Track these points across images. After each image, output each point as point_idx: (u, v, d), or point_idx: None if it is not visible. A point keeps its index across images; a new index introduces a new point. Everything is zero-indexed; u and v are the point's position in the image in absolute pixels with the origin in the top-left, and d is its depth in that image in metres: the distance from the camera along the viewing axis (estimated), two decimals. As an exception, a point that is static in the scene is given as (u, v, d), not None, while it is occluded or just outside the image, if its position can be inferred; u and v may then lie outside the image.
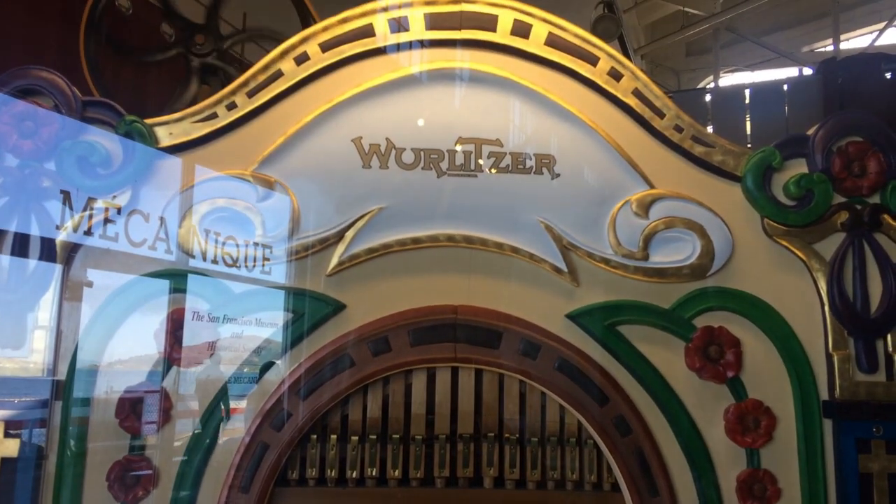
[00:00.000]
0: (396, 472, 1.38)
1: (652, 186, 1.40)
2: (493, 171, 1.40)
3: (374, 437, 1.39)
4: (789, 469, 1.36)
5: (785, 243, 1.40)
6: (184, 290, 1.34)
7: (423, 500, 1.40)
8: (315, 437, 1.39)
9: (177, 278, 1.36)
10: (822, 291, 1.39)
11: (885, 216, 1.41)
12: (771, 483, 1.35)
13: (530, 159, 1.40)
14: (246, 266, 1.34)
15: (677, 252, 1.40)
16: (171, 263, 1.37)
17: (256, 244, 1.35)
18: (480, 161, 1.40)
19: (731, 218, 1.41)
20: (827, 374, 1.38)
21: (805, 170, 1.43)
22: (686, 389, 1.37)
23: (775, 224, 1.41)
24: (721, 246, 1.39)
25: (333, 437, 1.39)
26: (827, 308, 1.39)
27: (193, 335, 1.32)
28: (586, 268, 1.39)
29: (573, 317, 1.38)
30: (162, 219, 1.34)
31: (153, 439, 1.33)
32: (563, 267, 1.38)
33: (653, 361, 1.38)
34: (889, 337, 1.39)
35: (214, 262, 1.34)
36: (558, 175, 1.40)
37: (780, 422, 1.37)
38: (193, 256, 1.35)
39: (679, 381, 1.37)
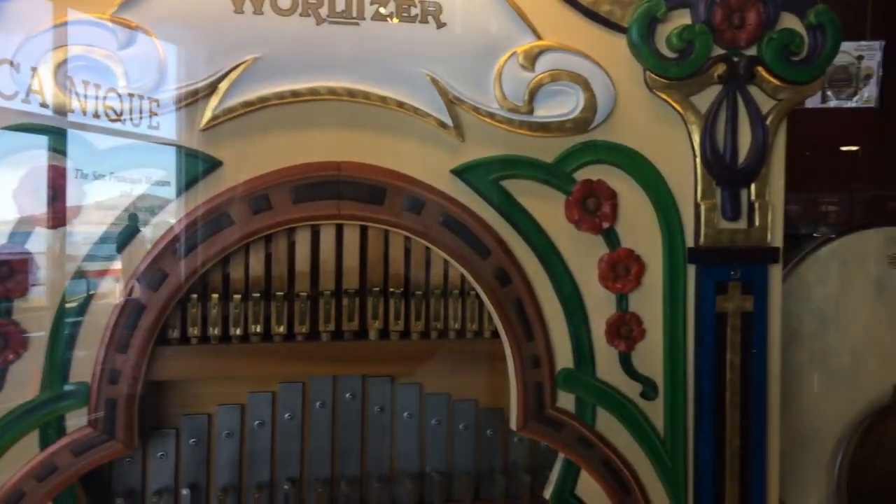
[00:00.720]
0: (281, 328, 1.42)
1: (539, 38, 1.40)
2: (377, 18, 1.35)
3: (258, 294, 1.41)
4: (654, 311, 1.50)
5: (664, 96, 1.46)
6: (48, 147, 1.26)
7: (308, 354, 1.45)
8: (196, 296, 1.39)
9: (40, 132, 1.26)
10: (695, 144, 1.48)
11: (760, 68, 1.49)
12: (637, 325, 1.49)
13: (416, 7, 1.36)
14: (113, 119, 1.27)
15: (562, 106, 1.43)
16: (40, 118, 1.27)
17: (125, 95, 1.27)
18: (363, 7, 1.35)
19: (614, 71, 1.45)
20: (694, 223, 1.48)
21: (689, 21, 1.46)
22: (564, 240, 1.46)
23: (656, 77, 1.45)
24: (604, 99, 1.43)
25: (215, 295, 1.40)
26: (699, 160, 1.47)
27: (58, 194, 1.26)
28: (472, 122, 1.41)
29: (458, 172, 1.41)
30: (12, 63, 1.22)
31: (21, 302, 1.29)
32: (449, 122, 1.39)
33: (534, 215, 1.44)
34: (753, 186, 1.50)
35: (84, 113, 1.26)
36: (444, 25, 1.37)
37: (648, 268, 1.48)
38: (51, 107, 1.26)
39: (558, 233, 1.46)
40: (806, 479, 1.64)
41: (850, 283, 1.64)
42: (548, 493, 1.51)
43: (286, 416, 1.49)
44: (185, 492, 1.44)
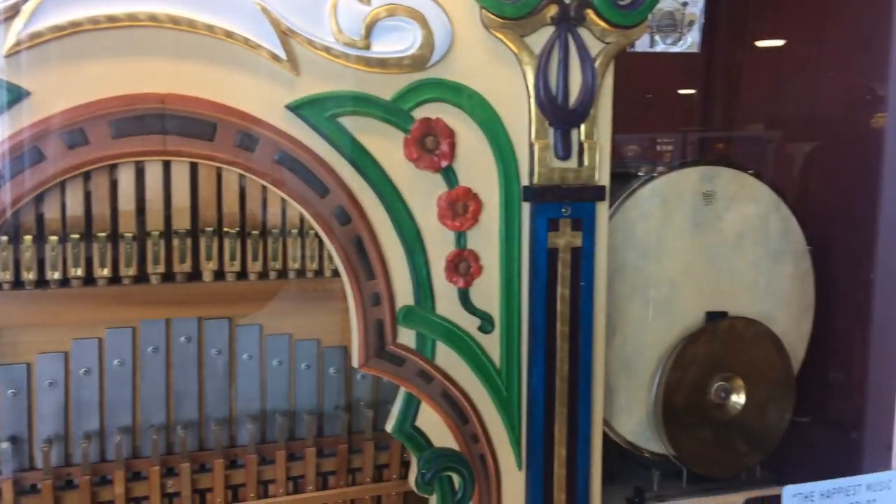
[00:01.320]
0: (105, 271, 1.34)
1: (374, -30, 1.36)
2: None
3: (77, 236, 1.31)
4: (491, 248, 1.53)
5: (500, 36, 1.47)
6: None
7: (137, 298, 1.38)
8: (6, 238, 1.28)
9: None
10: (529, 84, 1.50)
11: (590, 11, 1.52)
12: (474, 261, 1.52)
13: (243, -70, 1.28)
14: None
15: (399, 42, 1.41)
16: None
17: None
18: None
19: (451, 8, 1.44)
20: (528, 162, 1.52)
21: (525, -40, 1.46)
22: (403, 179, 1.45)
23: (492, 16, 1.45)
24: (441, 37, 1.42)
25: (28, 237, 1.29)
26: (532, 100, 1.50)
27: None
28: (307, 56, 1.36)
29: (294, 108, 1.36)
30: None
31: None
32: (282, 54, 1.33)
33: (372, 153, 1.43)
34: (583, 127, 1.55)
35: None
36: (274, -49, 1.30)
37: (485, 207, 1.51)
38: None
39: (396, 171, 1.45)
40: (627, 401, 1.76)
41: (669, 219, 1.75)
42: (390, 427, 1.54)
43: (115, 362, 1.42)
44: (4, 445, 1.35)
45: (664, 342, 1.78)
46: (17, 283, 1.32)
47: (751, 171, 1.83)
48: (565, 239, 1.58)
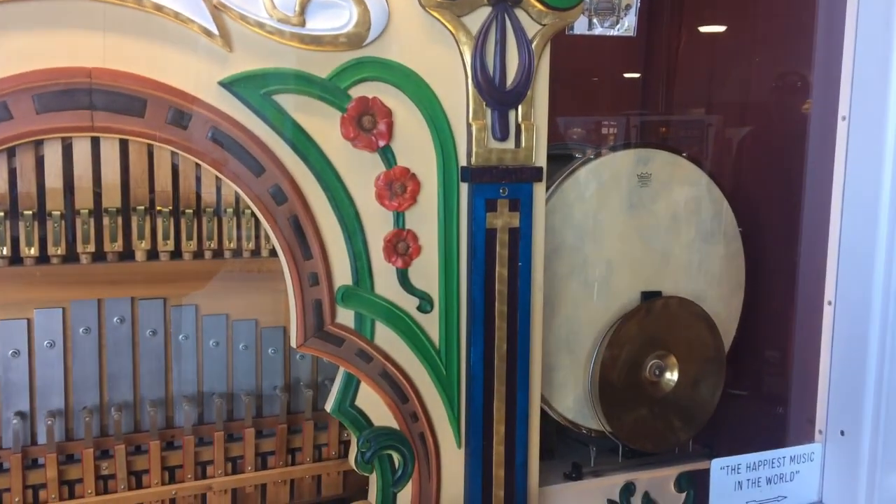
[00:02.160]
0: (32, 250, 1.30)
1: (307, -55, 1.33)
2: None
3: (2, 213, 1.27)
4: (430, 228, 1.52)
5: (437, 15, 1.45)
6: None
7: (67, 277, 1.34)
8: (-76, 217, 1.23)
9: None
10: (466, 64, 1.49)
11: (526, -8, 1.51)
12: (413, 241, 1.51)
13: None
14: None
15: (335, 19, 1.39)
16: None
17: None
18: None
19: (388, -14, 1.40)
20: (466, 143, 1.51)
21: (461, -59, 1.45)
22: (340, 158, 1.43)
23: (430, -5, 1.43)
24: (377, 15, 1.40)
25: (-52, 216, 1.24)
26: (470, 80, 1.49)
27: None
28: (240, 31, 1.33)
29: (226, 84, 1.33)
30: None
31: None
32: (214, 29, 1.30)
33: (309, 131, 1.40)
34: (520, 108, 1.54)
35: None
36: (204, -77, 1.26)
37: (423, 187, 1.50)
38: None
39: (334, 150, 1.43)
40: (565, 379, 1.77)
41: (606, 200, 1.76)
42: (329, 407, 1.52)
43: (45, 343, 1.37)
44: (-71, 429, 1.30)
45: (601, 321, 1.79)
46: (-63, 263, 1.27)
47: (685, 154, 1.85)
48: (503, 219, 1.57)
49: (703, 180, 1.87)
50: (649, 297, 1.82)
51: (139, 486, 1.45)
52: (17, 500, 1.35)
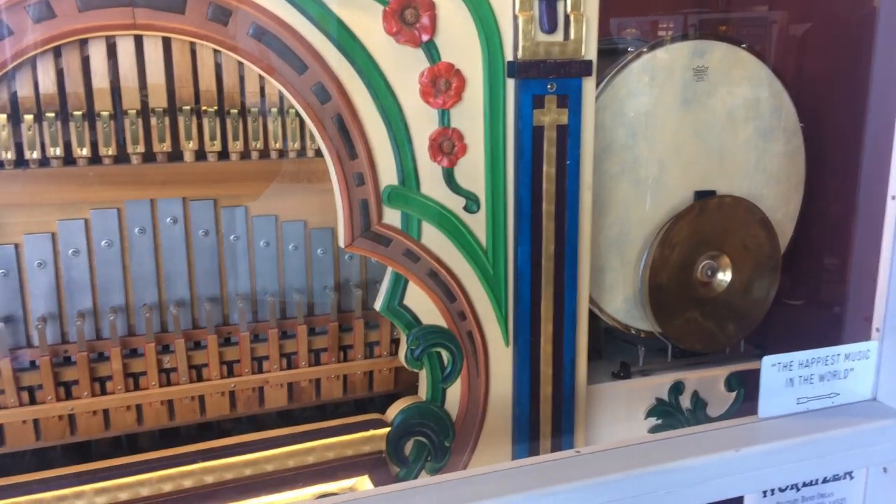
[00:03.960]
0: (84, 151, 1.30)
1: None
2: None
3: (53, 114, 1.27)
4: (475, 126, 1.48)
5: None
6: None
7: (120, 178, 1.35)
8: (-20, 118, 1.24)
9: None
10: (512, -48, 1.40)
11: None
12: (458, 140, 1.47)
13: None
14: None
15: None
16: None
17: None
18: None
19: None
20: (512, 36, 1.44)
21: None
22: (383, 55, 1.39)
23: None
24: None
25: (3, 116, 1.24)
26: (516, -31, 1.41)
27: None
28: (277, -78, 1.26)
29: (267, -22, 1.28)
30: None
31: None
32: (251, -81, 1.24)
33: (351, 27, 1.36)
34: (569, -1, 1.46)
35: None
36: None
37: (468, 83, 1.45)
38: None
39: (377, 46, 1.39)
40: (614, 280, 1.74)
41: (659, 95, 1.67)
42: (378, 305, 1.53)
43: (103, 243, 1.40)
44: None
45: (652, 222, 1.74)
46: (-3, 164, 1.29)
47: (744, 46, 1.74)
48: (551, 116, 1.52)
49: (763, 73, 1.76)
50: (703, 196, 1.75)
51: (199, 379, 1.49)
52: (85, 392, 1.41)
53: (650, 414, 1.78)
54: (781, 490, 1.44)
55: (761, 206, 1.79)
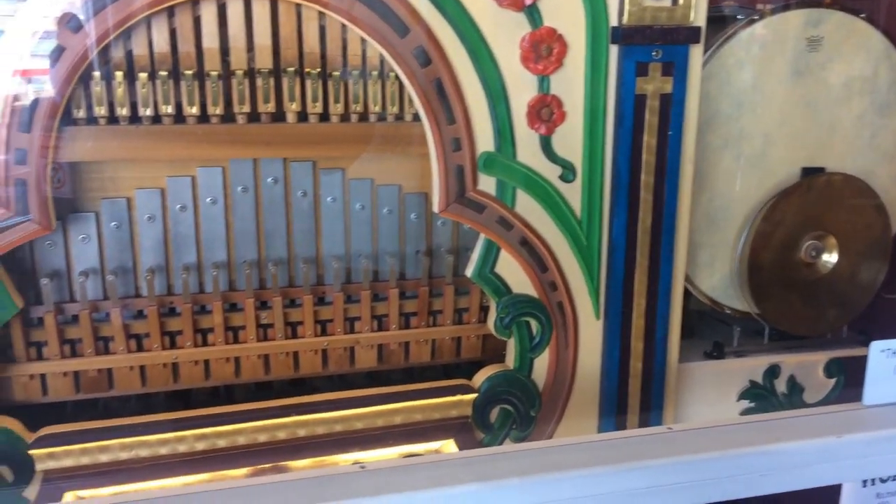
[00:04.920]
0: (194, 109, 1.34)
1: None
2: None
3: (165, 73, 1.31)
4: (575, 94, 1.45)
5: None
6: None
7: (226, 137, 1.38)
8: (98, 73, 1.28)
9: None
10: (621, -85, 1.35)
11: None
12: (558, 107, 1.44)
13: None
14: None
15: None
16: None
17: None
18: None
19: None
20: (618, 1, 1.40)
21: None
22: (485, 18, 1.38)
23: None
24: None
25: (119, 73, 1.29)
26: (625, -69, 1.36)
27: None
28: None
29: (371, -60, 1.28)
30: None
31: None
32: None
33: (453, -11, 1.33)
34: (678, -38, 1.40)
35: None
36: None
37: (570, 49, 1.41)
38: None
39: (478, 9, 1.37)
40: (711, 257, 1.68)
41: (769, 66, 1.59)
42: (469, 272, 1.52)
43: (208, 200, 1.44)
44: (110, 277, 1.41)
45: (754, 198, 1.67)
46: (112, 120, 1.34)
47: (862, 16, 1.63)
48: (655, 84, 1.47)
49: (881, 45, 1.65)
50: (810, 173, 1.66)
51: (294, 336, 1.52)
52: (188, 342, 1.46)
53: (743, 396, 1.72)
54: (883, 480, 1.37)
55: (873, 186, 1.69)
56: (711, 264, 1.69)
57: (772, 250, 1.65)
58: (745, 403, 1.72)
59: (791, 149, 1.66)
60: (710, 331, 1.79)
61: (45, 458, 1.34)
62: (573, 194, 1.51)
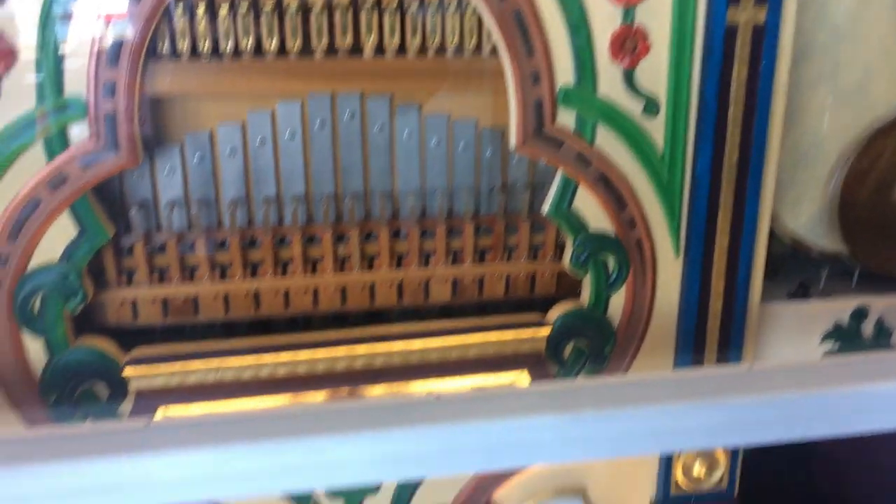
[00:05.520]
0: (273, 43, 1.34)
1: None
2: None
3: (246, 6, 1.31)
4: (661, 24, 1.40)
5: None
6: None
7: (305, 70, 1.39)
8: (180, 8, 1.30)
9: None
10: None
11: None
12: (642, 39, 1.39)
13: None
14: None
15: None
16: None
17: None
18: None
19: None
20: (710, -77, 1.33)
21: None
22: (567, -56, 1.31)
23: None
24: None
25: (201, 7, 1.30)
26: None
27: None
28: None
29: None
30: None
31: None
32: None
33: (535, -87, 1.28)
34: None
35: None
36: None
37: (657, -25, 1.34)
38: None
39: (561, -65, 1.30)
40: (800, 195, 1.61)
41: (873, -8, 1.49)
42: (546, 208, 1.51)
43: (287, 134, 1.46)
44: (195, 209, 1.45)
45: (849, 134, 1.58)
46: (195, 54, 1.36)
47: (984, -67, 1.50)
48: (747, 14, 1.39)
49: None
50: (913, 107, 1.56)
51: (370, 268, 1.55)
52: (269, 273, 1.50)
53: (826, 338, 1.67)
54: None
55: (983, 121, 1.57)
56: (800, 202, 1.62)
57: (866, 189, 1.57)
58: (829, 346, 1.67)
59: (892, 82, 1.55)
60: (795, 271, 1.73)
61: (137, 378, 1.41)
62: (656, 129, 1.46)
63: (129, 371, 1.41)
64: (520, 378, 1.54)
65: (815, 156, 1.59)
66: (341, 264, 1.53)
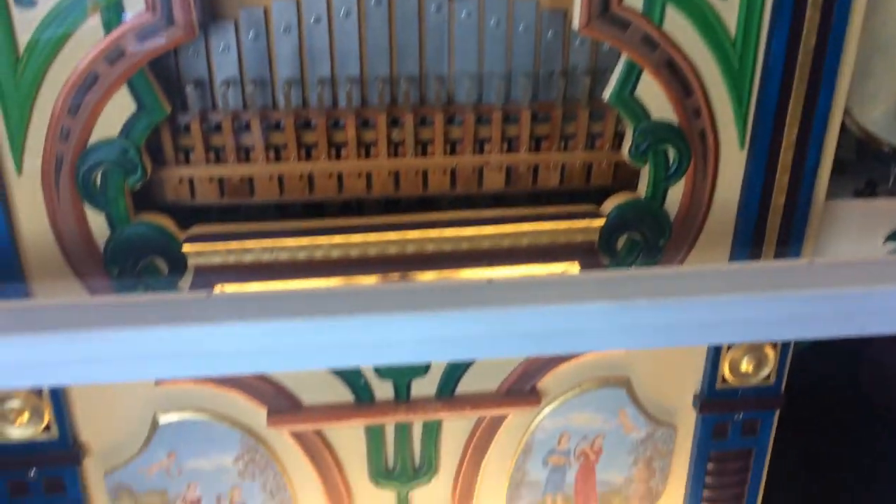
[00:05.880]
0: None
1: None
2: None
3: None
4: None
5: None
6: None
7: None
8: None
9: None
10: None
11: None
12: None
13: None
14: None
15: None
16: None
17: None
18: None
19: None
20: None
21: None
22: None
23: None
24: None
25: None
26: None
27: None
28: None
29: None
30: None
31: None
32: None
33: None
34: None
35: None
36: None
37: None
38: None
39: None
40: (876, 88, 1.52)
41: None
42: (607, 95, 1.45)
43: (342, 12, 1.41)
44: (249, 88, 1.44)
45: (940, 21, 1.47)
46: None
47: None
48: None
49: None
50: None
51: (424, 154, 1.53)
52: (322, 155, 1.49)
53: (891, 238, 1.61)
54: None
55: None
56: (876, 95, 1.54)
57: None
58: (893, 245, 1.62)
59: None
60: (864, 168, 1.65)
61: (196, 255, 1.45)
62: (729, 12, 1.38)
63: (187, 247, 1.44)
64: (571, 269, 1.53)
65: (894, 48, 1.49)
66: (395, 149, 1.52)
